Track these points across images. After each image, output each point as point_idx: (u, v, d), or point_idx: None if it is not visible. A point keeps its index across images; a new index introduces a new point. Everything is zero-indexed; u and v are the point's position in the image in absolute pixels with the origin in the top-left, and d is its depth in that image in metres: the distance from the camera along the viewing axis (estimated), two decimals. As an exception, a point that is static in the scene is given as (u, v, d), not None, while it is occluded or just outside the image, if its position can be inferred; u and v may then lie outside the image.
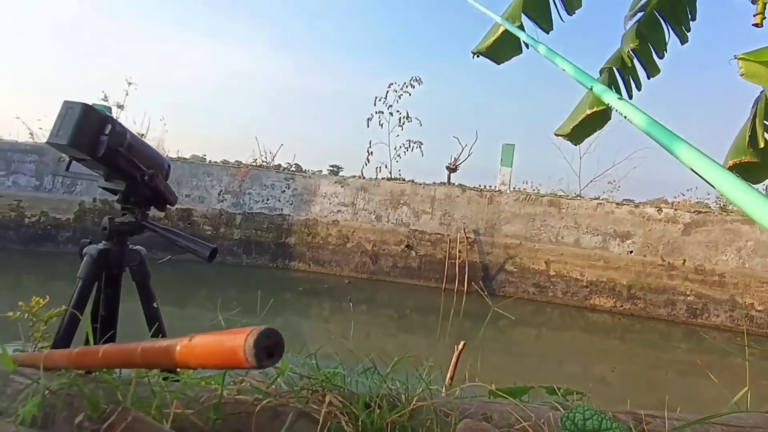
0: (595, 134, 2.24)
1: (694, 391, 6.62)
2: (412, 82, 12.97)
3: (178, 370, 0.88)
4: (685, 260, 9.52)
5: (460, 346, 2.09)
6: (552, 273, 10.18)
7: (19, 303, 1.65)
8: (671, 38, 2.15)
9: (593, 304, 9.94)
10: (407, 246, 10.86)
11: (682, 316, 9.46)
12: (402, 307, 9.69)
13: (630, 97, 2.22)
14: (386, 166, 12.63)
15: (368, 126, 13.03)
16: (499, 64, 2.41)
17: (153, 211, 1.10)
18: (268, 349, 0.32)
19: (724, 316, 9.25)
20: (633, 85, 2.22)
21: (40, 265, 9.64)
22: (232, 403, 0.63)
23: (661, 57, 2.18)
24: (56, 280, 8.08)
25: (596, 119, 2.08)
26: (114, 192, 1.03)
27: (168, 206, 1.04)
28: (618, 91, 2.16)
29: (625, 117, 0.64)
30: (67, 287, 1.45)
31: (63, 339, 0.97)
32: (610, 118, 2.11)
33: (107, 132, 0.87)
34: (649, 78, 2.24)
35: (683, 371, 7.83)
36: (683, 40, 2.16)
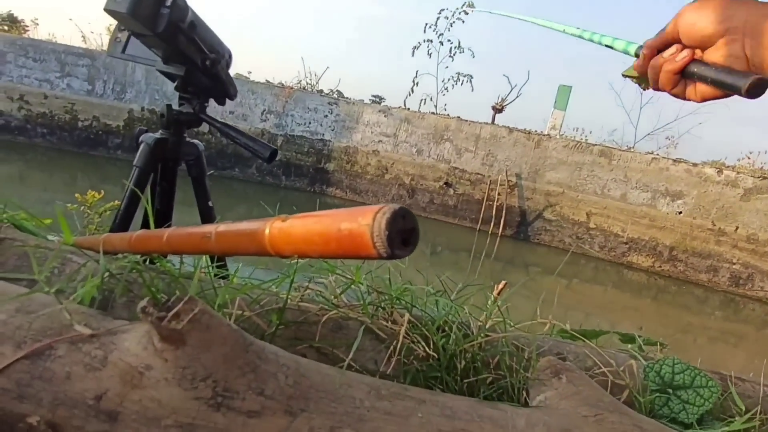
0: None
1: (721, 359, 6.49)
2: (464, 7, 11.68)
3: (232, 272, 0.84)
4: (738, 227, 9.00)
5: (501, 285, 2.05)
6: (592, 225, 9.87)
7: (76, 195, 1.68)
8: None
9: (630, 262, 9.68)
10: (446, 183, 10.68)
11: (723, 283, 9.11)
12: (435, 244, 9.70)
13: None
14: (431, 99, 12.08)
15: (413, 55, 12.21)
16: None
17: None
18: (403, 234, 0.24)
19: (769, 288, 8.86)
20: None
21: (92, 168, 10.05)
22: (295, 310, 0.59)
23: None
24: (107, 183, 8.40)
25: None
26: (172, 78, 0.96)
27: (228, 99, 0.98)
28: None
29: None
30: (117, 191, 1.45)
31: (120, 228, 0.95)
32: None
33: (168, 4, 0.78)
34: None
35: (713, 338, 7.67)
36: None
